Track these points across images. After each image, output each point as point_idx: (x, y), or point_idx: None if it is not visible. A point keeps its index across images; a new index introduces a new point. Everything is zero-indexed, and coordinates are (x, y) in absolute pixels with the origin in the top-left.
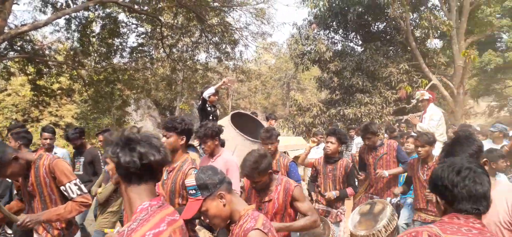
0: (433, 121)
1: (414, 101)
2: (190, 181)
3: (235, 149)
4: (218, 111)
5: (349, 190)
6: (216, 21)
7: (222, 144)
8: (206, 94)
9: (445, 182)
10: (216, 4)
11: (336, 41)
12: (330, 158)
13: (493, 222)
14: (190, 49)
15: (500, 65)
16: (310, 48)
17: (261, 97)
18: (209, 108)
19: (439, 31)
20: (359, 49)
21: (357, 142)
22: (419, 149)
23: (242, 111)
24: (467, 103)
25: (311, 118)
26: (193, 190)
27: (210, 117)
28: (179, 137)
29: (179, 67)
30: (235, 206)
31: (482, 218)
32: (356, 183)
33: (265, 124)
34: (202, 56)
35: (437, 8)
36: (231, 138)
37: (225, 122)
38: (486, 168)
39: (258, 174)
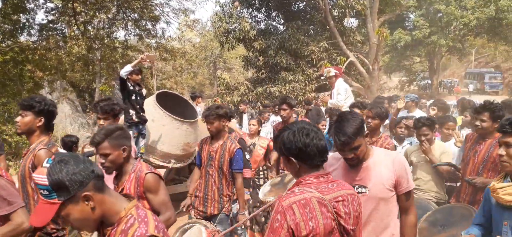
0: (340, 95)
1: (323, 78)
2: (41, 177)
3: (162, 129)
4: (144, 90)
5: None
6: None
7: (144, 121)
8: (122, 72)
9: (299, 145)
10: None
11: (259, 20)
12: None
13: (379, 184)
14: (107, 26)
15: (409, 42)
16: (234, 26)
17: (187, 77)
18: (132, 88)
19: (354, 10)
20: (282, 28)
21: (273, 120)
22: (369, 120)
23: (168, 91)
24: (381, 79)
25: (239, 97)
26: (45, 191)
27: (134, 97)
28: (37, 117)
29: (96, 46)
30: (110, 207)
31: (368, 182)
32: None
33: (192, 104)
34: (121, 34)
35: None
36: (158, 118)
37: (150, 102)
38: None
39: (107, 151)
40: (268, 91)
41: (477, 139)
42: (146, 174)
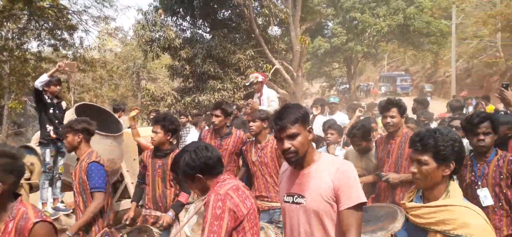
0: (274, 102)
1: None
2: None
3: None
4: (63, 103)
5: (182, 197)
6: (47, 3)
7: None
8: (37, 83)
9: (202, 160)
10: None
11: (184, 28)
12: (158, 150)
13: (316, 195)
14: (16, 36)
15: (328, 49)
16: (158, 35)
17: (108, 89)
18: (49, 100)
19: (278, 19)
20: (208, 36)
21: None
22: (251, 124)
23: (89, 103)
24: (304, 85)
25: (166, 107)
26: None
27: (52, 111)
28: None
29: (4, 58)
30: None
31: (306, 191)
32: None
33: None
34: (33, 45)
35: None
36: None
37: (68, 116)
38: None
39: None
40: (196, 100)
41: (387, 140)
42: (35, 223)
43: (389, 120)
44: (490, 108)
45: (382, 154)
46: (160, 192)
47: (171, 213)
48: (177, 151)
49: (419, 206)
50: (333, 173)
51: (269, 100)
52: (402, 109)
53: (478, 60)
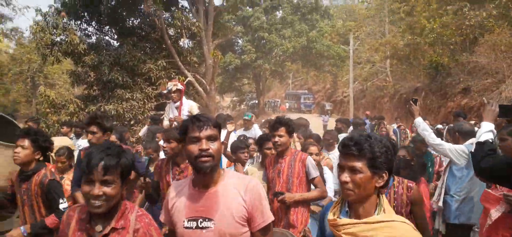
0: (197, 113)
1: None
2: None
3: None
4: None
5: (49, 220)
6: None
7: None
8: None
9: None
10: None
11: (90, 33)
12: (22, 171)
13: (228, 216)
14: None
15: (239, 65)
16: (60, 38)
17: None
18: None
19: (190, 32)
20: (115, 43)
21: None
22: (165, 145)
23: None
24: (216, 99)
25: (68, 116)
26: None
27: None
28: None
29: None
30: None
31: (214, 213)
32: None
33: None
34: None
35: (186, 9)
36: None
37: None
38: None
39: None
40: (102, 109)
41: (276, 159)
42: None
43: (277, 138)
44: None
45: (272, 174)
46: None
47: (23, 228)
48: (43, 171)
49: (354, 223)
50: (243, 190)
51: (193, 112)
52: (290, 129)
53: (371, 83)
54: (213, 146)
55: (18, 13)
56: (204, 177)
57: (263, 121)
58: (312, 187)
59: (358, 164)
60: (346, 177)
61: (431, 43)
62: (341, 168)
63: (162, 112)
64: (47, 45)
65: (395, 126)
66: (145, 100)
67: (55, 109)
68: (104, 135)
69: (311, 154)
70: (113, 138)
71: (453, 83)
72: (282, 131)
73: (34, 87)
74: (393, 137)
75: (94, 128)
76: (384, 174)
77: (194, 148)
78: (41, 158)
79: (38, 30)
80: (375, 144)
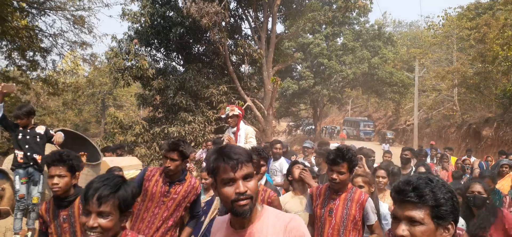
0: (252, 139)
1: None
2: None
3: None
4: (39, 127)
5: None
6: (22, 24)
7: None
8: None
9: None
10: (23, 4)
11: (158, 59)
12: (61, 199)
13: None
14: None
15: (296, 91)
16: (131, 63)
17: (71, 114)
18: (16, 125)
19: (251, 58)
20: (181, 69)
21: None
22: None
23: (66, 129)
24: (272, 123)
25: (134, 136)
26: None
27: (21, 136)
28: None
29: None
30: None
31: None
32: None
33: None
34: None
35: (249, 37)
36: None
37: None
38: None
39: None
40: (165, 131)
41: (329, 195)
42: None
43: (335, 176)
44: (453, 159)
45: (321, 211)
46: None
47: None
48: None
49: None
50: (282, 231)
51: (248, 137)
52: (352, 165)
53: (436, 112)
54: (250, 185)
55: (98, 40)
56: (243, 218)
57: (317, 143)
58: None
59: (419, 214)
60: (403, 230)
61: (505, 72)
62: (396, 219)
63: (221, 135)
64: (119, 69)
65: (473, 159)
66: (206, 123)
67: (122, 129)
68: (183, 162)
69: (360, 187)
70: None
71: None
72: (343, 167)
73: (103, 108)
74: (477, 171)
75: (175, 155)
76: (450, 226)
77: (229, 191)
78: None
79: (112, 55)
80: (437, 188)
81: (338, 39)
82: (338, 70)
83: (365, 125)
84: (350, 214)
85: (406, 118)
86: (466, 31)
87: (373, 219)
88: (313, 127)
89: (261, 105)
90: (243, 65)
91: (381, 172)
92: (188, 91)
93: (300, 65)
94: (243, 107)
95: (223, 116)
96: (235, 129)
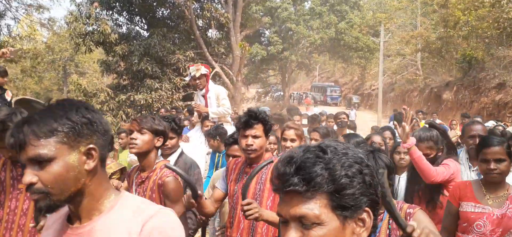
0: (225, 100)
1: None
2: None
3: None
4: (8, 93)
5: None
6: None
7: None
8: None
9: None
10: None
11: (120, 23)
12: None
13: None
14: None
15: (265, 57)
16: (92, 28)
17: (31, 82)
18: None
19: (218, 23)
20: (145, 33)
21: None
22: (133, 136)
23: (29, 98)
24: (241, 90)
25: (99, 104)
26: None
27: None
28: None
29: None
30: None
31: None
32: None
33: None
34: None
35: (216, 0)
36: None
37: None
38: None
39: None
40: (131, 99)
41: (243, 167)
42: None
43: (250, 140)
44: (421, 124)
45: (234, 188)
46: None
47: None
48: None
49: None
50: (136, 232)
51: (219, 99)
52: (268, 127)
53: (400, 76)
54: (42, 175)
55: (56, 3)
56: (74, 204)
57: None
58: None
59: (312, 209)
60: (294, 235)
61: (465, 37)
62: (284, 221)
63: (190, 102)
64: (80, 34)
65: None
66: (173, 90)
67: (86, 97)
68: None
69: (292, 141)
70: None
71: (487, 78)
72: (257, 129)
73: (65, 75)
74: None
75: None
76: (364, 214)
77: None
78: None
79: (72, 19)
80: (336, 162)
81: (305, 3)
82: (306, 35)
83: (331, 90)
84: (264, 189)
85: (371, 83)
86: None
87: None
88: (282, 93)
89: (230, 71)
90: (210, 30)
91: (315, 134)
92: (153, 57)
93: (268, 30)
94: (212, 74)
95: (187, 79)
96: (204, 91)
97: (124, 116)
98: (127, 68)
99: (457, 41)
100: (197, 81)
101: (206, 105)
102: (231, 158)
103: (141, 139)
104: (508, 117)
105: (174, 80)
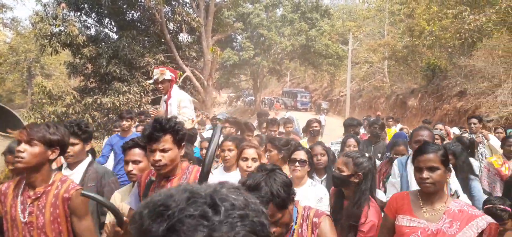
0: (187, 109)
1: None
2: None
3: None
4: None
5: None
6: None
7: None
8: None
9: None
10: None
11: (89, 25)
12: None
13: None
14: None
15: (237, 62)
16: (59, 29)
17: None
18: None
19: (189, 27)
20: (115, 36)
21: None
22: (19, 148)
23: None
24: (212, 94)
25: (64, 107)
26: None
27: None
28: None
29: None
30: None
31: None
32: None
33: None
34: None
35: (187, 4)
36: None
37: None
38: None
39: None
40: (98, 102)
41: (159, 181)
42: None
43: (158, 155)
44: (394, 130)
45: None
46: None
47: None
48: None
49: None
50: None
51: (181, 105)
52: (179, 137)
53: (368, 83)
54: None
55: (19, 2)
56: None
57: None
58: None
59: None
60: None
61: (430, 46)
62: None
63: (158, 106)
64: (46, 35)
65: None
66: (142, 93)
67: (51, 100)
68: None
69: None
70: None
71: (450, 86)
72: (166, 141)
73: (30, 77)
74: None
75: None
76: None
77: None
78: None
79: (37, 20)
80: (227, 229)
81: (277, 10)
82: (277, 41)
83: (302, 96)
84: None
85: (340, 89)
86: (396, 5)
87: None
88: (253, 98)
89: (201, 76)
90: (181, 34)
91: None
92: (122, 60)
93: (240, 35)
94: (182, 78)
95: (151, 82)
96: (167, 96)
97: (90, 119)
98: (94, 71)
99: (422, 50)
100: (160, 85)
101: (166, 112)
102: (131, 164)
103: (30, 151)
104: (469, 124)
105: (143, 84)
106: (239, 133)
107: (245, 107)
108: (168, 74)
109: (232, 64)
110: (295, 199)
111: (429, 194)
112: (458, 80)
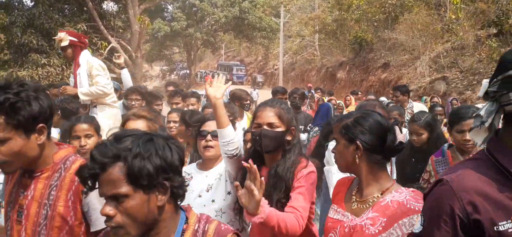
0: (100, 77)
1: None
2: None
3: None
4: None
5: None
6: None
7: None
8: None
9: None
10: None
11: None
12: None
13: None
14: None
15: (168, 33)
16: None
17: None
18: None
19: None
20: (29, 3)
21: None
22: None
23: None
24: (143, 67)
25: None
26: None
27: None
28: None
29: None
30: None
31: None
32: None
33: None
34: None
35: None
36: None
37: None
38: None
39: None
40: (14, 76)
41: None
42: None
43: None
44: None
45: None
46: None
47: None
48: None
49: None
50: None
51: (92, 74)
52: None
53: (300, 56)
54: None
55: None
56: None
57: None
58: None
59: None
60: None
61: (357, 20)
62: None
63: None
64: None
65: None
66: (64, 66)
67: None
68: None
69: None
70: None
71: (375, 59)
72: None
73: None
74: None
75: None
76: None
77: None
78: None
79: None
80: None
81: None
82: (210, 12)
83: (237, 69)
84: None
85: (274, 62)
86: None
87: None
88: (188, 72)
89: (128, 47)
90: (106, 2)
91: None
92: (39, 30)
93: (171, 5)
94: (107, 49)
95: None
96: (74, 64)
97: None
98: (8, 42)
99: (350, 24)
100: (63, 52)
101: (75, 83)
102: None
103: None
104: (391, 95)
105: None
106: (144, 104)
107: (180, 81)
108: (67, 39)
109: (163, 36)
110: (188, 203)
111: (363, 179)
112: (382, 53)
